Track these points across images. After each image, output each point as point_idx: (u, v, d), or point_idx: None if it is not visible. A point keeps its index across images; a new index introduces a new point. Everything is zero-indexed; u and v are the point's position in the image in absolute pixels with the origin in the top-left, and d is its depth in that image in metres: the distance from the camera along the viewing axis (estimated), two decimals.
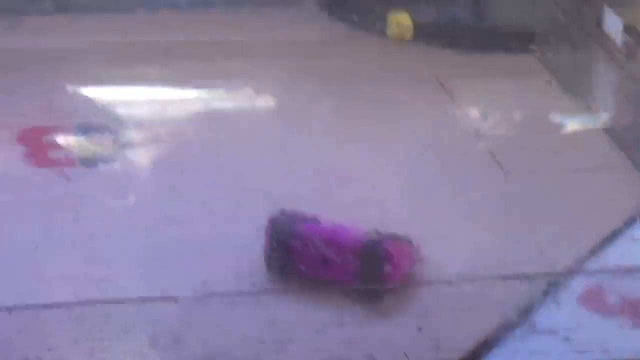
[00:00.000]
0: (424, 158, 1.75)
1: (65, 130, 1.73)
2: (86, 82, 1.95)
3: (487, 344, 1.28)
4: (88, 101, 1.89)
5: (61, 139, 1.74)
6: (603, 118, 1.95)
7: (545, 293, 1.37)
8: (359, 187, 1.64)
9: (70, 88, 1.95)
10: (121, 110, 1.87)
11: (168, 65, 2.03)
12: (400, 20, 2.07)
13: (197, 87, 2.00)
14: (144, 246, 1.46)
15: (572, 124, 1.99)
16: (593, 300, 1.38)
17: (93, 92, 1.95)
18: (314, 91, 1.94)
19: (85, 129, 1.74)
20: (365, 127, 1.84)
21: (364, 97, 1.94)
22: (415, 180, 1.70)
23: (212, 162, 1.73)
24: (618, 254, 1.51)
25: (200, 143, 1.82)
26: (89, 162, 1.67)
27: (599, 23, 1.84)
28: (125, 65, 2.02)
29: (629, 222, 1.60)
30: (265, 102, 2.00)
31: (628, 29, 1.97)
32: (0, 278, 1.40)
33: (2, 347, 1.29)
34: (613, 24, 1.84)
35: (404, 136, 1.82)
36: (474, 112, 1.94)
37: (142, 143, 1.78)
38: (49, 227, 1.51)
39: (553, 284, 1.38)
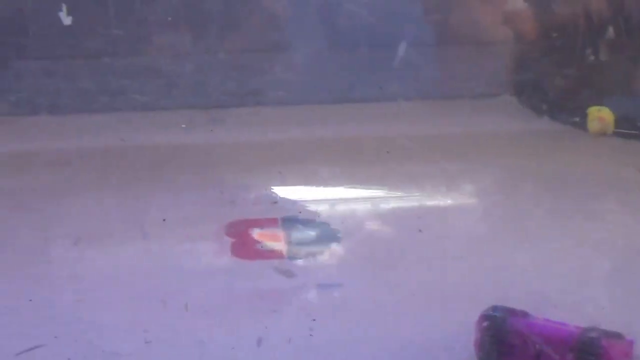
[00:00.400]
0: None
1: (271, 223, 1.79)
2: (296, 178, 2.04)
3: None
4: (299, 196, 1.97)
5: (268, 232, 1.81)
6: None
7: None
8: (566, 284, 1.57)
9: (278, 182, 2.02)
10: (331, 207, 1.95)
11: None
12: (603, 115, 2.08)
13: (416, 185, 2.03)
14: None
15: None
16: None
17: (309, 189, 2.04)
18: (527, 190, 1.95)
19: (291, 222, 1.80)
20: (574, 227, 1.78)
21: (574, 195, 1.93)
22: (624, 281, 1.60)
23: (420, 256, 1.70)
24: None
25: (408, 239, 1.79)
26: (296, 255, 1.72)
27: None
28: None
29: None
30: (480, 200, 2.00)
31: None
32: None
33: None
34: None
35: (617, 237, 1.75)
36: None
37: (350, 237, 1.81)
38: (270, 319, 1.53)
39: None
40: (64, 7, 2.11)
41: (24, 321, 1.53)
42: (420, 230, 1.74)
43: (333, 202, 1.99)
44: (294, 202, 1.90)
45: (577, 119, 2.16)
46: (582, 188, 1.96)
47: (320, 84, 2.31)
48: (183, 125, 2.18)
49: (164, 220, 1.80)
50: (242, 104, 2.27)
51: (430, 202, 1.98)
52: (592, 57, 2.20)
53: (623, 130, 2.09)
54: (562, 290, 1.57)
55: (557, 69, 2.20)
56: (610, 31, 2.15)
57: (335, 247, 1.77)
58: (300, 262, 1.71)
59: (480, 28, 2.32)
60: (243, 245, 1.78)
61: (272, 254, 1.73)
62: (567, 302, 1.52)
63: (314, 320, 1.45)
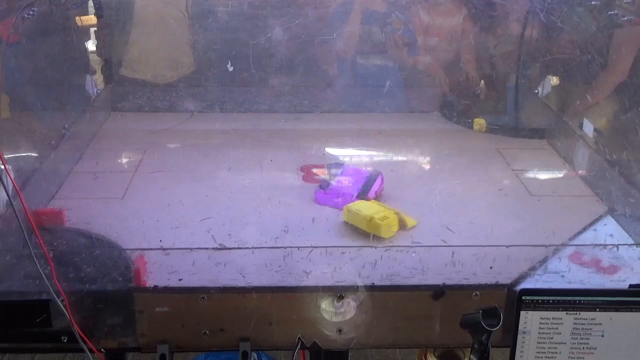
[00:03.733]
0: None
1: (323, 167, 2.58)
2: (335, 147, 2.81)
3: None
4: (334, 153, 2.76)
5: (320, 170, 2.58)
6: None
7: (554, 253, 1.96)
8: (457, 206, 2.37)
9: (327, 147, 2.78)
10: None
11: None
12: (481, 122, 3.05)
13: None
14: None
15: None
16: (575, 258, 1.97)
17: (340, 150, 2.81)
18: (442, 156, 2.78)
19: (332, 167, 2.58)
20: (463, 177, 2.57)
21: (465, 158, 2.75)
22: (487, 205, 2.37)
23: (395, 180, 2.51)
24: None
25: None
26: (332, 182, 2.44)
27: None
28: None
29: None
30: None
31: None
32: None
33: None
34: None
35: (481, 182, 2.55)
36: None
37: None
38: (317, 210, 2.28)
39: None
40: None
41: (202, 205, 2.31)
42: (391, 170, 2.59)
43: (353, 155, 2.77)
44: (334, 157, 2.73)
45: (469, 121, 3.06)
46: (469, 155, 2.81)
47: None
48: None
49: (271, 160, 2.71)
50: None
51: (392, 158, 2.82)
52: (479, 94, 3.21)
53: (490, 130, 3.03)
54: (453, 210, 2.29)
55: (460, 99, 3.15)
56: (482, 84, 3.15)
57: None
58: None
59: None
60: (308, 175, 2.59)
61: (320, 180, 2.48)
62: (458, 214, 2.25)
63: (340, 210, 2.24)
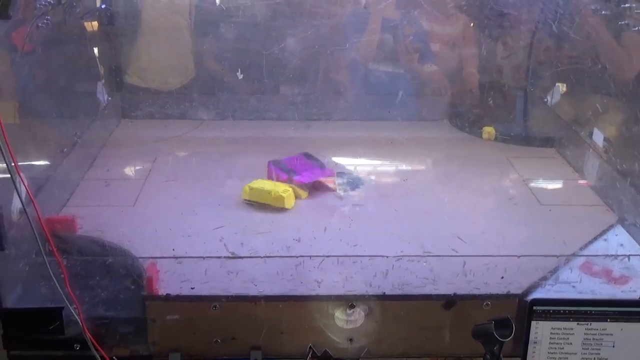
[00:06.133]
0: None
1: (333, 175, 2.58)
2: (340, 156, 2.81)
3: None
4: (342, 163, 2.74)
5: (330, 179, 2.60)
6: None
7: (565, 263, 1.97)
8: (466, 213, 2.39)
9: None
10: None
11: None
12: (489, 130, 3.06)
13: None
14: None
15: None
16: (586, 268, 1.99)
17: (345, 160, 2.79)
18: (451, 164, 2.78)
19: (340, 174, 2.63)
20: (472, 184, 2.58)
21: (475, 167, 2.75)
22: (497, 214, 2.54)
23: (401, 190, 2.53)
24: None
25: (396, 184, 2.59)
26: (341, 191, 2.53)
27: None
28: None
29: None
30: None
31: None
32: None
33: None
34: None
35: (493, 190, 2.58)
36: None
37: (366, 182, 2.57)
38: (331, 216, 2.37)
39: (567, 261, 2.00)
40: None
41: (215, 214, 2.30)
42: (404, 180, 2.64)
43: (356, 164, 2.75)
44: (342, 166, 2.73)
45: (479, 131, 3.07)
46: (479, 164, 2.83)
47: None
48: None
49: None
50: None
51: (403, 167, 2.82)
52: (490, 104, 3.14)
53: (500, 139, 3.03)
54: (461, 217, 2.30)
55: (470, 108, 3.15)
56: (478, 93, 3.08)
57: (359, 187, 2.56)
58: (342, 193, 2.52)
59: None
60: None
61: (330, 189, 2.55)
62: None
63: (351, 219, 2.32)
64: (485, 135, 3.07)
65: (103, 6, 2.93)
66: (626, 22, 2.48)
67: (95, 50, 2.99)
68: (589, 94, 2.78)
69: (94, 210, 2.33)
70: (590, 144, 2.68)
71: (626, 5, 2.48)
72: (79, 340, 1.72)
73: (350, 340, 1.89)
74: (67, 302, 1.64)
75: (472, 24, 3.03)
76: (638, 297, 1.80)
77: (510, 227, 2.29)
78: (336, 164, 2.73)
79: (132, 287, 1.79)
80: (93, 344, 1.68)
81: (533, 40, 2.99)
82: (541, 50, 2.99)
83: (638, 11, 2.54)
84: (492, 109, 3.10)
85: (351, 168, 2.70)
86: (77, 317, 1.65)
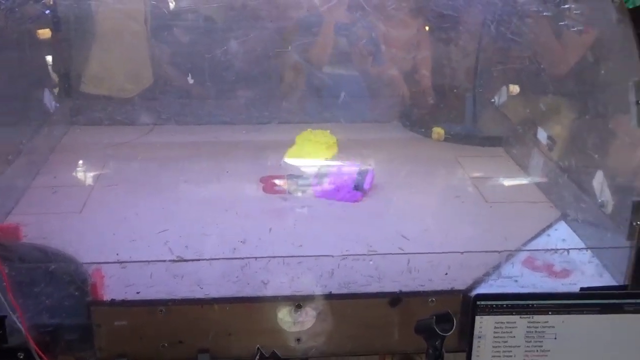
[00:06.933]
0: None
1: (282, 177, 2.58)
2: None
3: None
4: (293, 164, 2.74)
5: (280, 181, 2.58)
6: None
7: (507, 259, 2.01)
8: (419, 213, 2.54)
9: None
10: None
11: None
12: (439, 130, 3.10)
13: None
14: None
15: None
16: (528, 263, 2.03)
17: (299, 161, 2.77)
18: (402, 164, 2.77)
19: (290, 177, 2.60)
20: (421, 184, 2.66)
21: (423, 167, 2.79)
22: (444, 210, 2.52)
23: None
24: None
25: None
26: (292, 193, 2.52)
27: None
28: None
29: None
30: None
31: None
32: None
33: None
34: None
35: (440, 188, 2.62)
36: None
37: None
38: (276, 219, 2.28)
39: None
40: None
41: (160, 218, 2.31)
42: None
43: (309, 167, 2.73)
44: (293, 168, 2.71)
45: (429, 132, 3.10)
46: (427, 164, 2.86)
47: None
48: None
49: (227, 172, 2.68)
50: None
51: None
52: (441, 105, 3.17)
53: (449, 139, 3.07)
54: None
55: (419, 108, 3.20)
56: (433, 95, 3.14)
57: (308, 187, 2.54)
58: (292, 194, 2.50)
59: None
60: (268, 186, 2.57)
61: (280, 191, 2.53)
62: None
63: (296, 220, 2.31)
64: (434, 136, 3.11)
65: (47, 11, 2.85)
66: (565, 22, 2.51)
67: (50, 57, 2.97)
68: (534, 94, 2.83)
69: (40, 218, 2.30)
70: (534, 143, 2.72)
71: (565, 6, 2.46)
72: (22, 349, 1.70)
73: (298, 340, 1.90)
74: (9, 310, 1.60)
75: (426, 27, 3.06)
76: (578, 289, 1.84)
77: (455, 225, 2.33)
78: (284, 164, 2.77)
79: (77, 293, 1.77)
80: (37, 352, 1.64)
81: (480, 42, 3.04)
82: (490, 52, 3.03)
83: (577, 12, 2.59)
84: (442, 110, 3.15)
85: (304, 170, 2.73)
86: (20, 325, 1.61)
